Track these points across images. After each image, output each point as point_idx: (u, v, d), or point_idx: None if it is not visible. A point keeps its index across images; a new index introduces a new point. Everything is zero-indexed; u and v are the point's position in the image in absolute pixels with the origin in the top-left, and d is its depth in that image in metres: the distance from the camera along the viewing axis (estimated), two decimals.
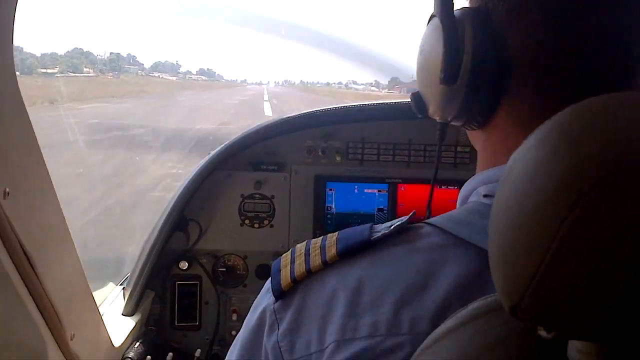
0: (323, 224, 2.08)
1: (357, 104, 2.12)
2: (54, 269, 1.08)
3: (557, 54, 0.63)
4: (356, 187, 2.07)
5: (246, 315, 0.81)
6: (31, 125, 0.95)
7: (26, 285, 0.99)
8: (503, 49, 0.65)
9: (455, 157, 2.06)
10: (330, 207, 2.08)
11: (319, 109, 2.11)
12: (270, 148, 2.06)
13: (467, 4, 0.72)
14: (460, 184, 2.00)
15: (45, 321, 1.07)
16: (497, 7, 0.66)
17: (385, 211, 2.09)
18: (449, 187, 2.06)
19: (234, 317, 2.13)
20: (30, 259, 0.96)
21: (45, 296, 1.04)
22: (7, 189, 0.88)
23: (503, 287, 0.46)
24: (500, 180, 0.49)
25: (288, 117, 2.08)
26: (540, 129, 0.46)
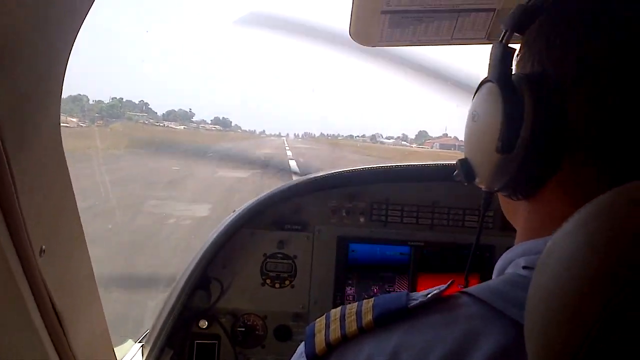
0: (344, 286, 2.06)
1: (382, 165, 2.13)
2: (81, 326, 1.07)
3: (617, 132, 0.61)
4: (378, 249, 2.06)
5: None
6: (70, 182, 0.97)
7: (53, 342, 0.98)
8: (562, 119, 0.63)
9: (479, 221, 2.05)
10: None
11: (344, 169, 2.12)
12: (294, 207, 2.06)
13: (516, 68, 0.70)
14: (482, 248, 1.99)
15: None
16: (559, 75, 0.64)
17: (406, 275, 2.07)
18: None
19: None
20: (60, 316, 0.96)
21: (70, 353, 1.03)
22: (44, 246, 0.89)
23: None
24: (537, 263, 0.48)
25: (314, 177, 2.09)
26: (580, 212, 0.45)
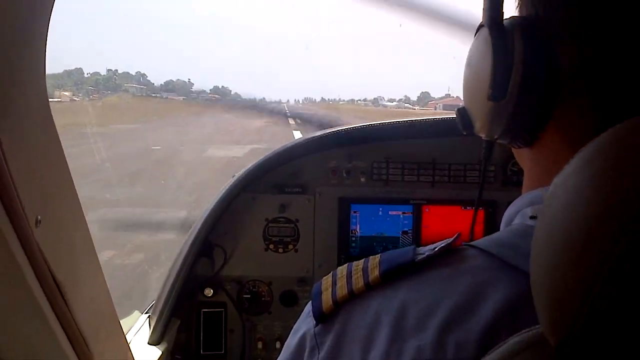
0: (347, 247, 2.06)
1: (380, 122, 2.12)
2: (83, 297, 1.07)
3: (609, 68, 0.60)
4: (380, 209, 2.06)
5: (270, 343, 0.80)
6: (63, 151, 0.95)
7: (55, 314, 0.98)
8: (553, 62, 0.62)
9: (480, 176, 2.04)
10: (355, 230, 2.06)
11: (342, 128, 2.10)
12: (294, 169, 2.05)
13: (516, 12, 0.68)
14: (484, 203, 2.00)
15: (75, 350, 1.06)
16: (549, 15, 0.63)
17: (409, 234, 2.07)
18: (473, 208, 2.04)
19: (260, 345, 2.11)
20: (60, 288, 0.95)
21: (75, 325, 1.03)
22: (39, 217, 0.87)
23: (548, 321, 0.44)
24: (541, 207, 0.47)
25: (311, 137, 2.08)
26: (583, 152, 0.43)
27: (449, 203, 2.05)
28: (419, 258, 0.67)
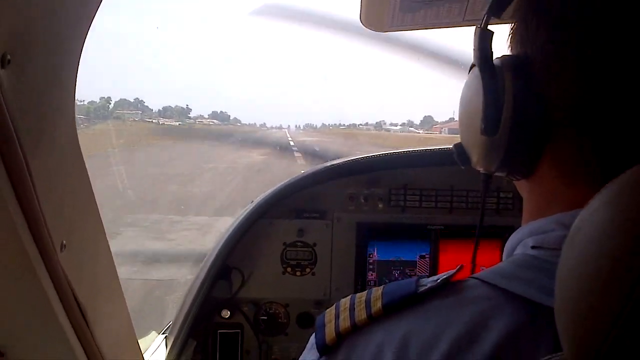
0: (364, 271, 2.07)
1: (399, 150, 2.13)
2: (104, 319, 1.09)
3: (594, 105, 0.61)
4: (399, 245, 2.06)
5: None
6: (88, 178, 0.98)
7: (77, 336, 0.99)
8: (543, 98, 0.64)
9: (498, 202, 2.05)
10: (372, 254, 2.07)
11: (362, 156, 2.12)
12: (312, 195, 2.07)
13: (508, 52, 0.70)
14: (502, 230, 1.99)
15: None
16: (537, 54, 0.64)
17: (427, 258, 2.07)
18: (491, 238, 2.01)
19: None
20: (83, 311, 0.97)
21: (95, 346, 1.04)
22: (64, 242, 0.90)
23: (572, 349, 0.44)
24: (565, 243, 0.47)
25: (331, 165, 2.10)
26: (609, 188, 0.44)
27: (466, 229, 2.05)
28: (421, 290, 0.67)
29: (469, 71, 0.74)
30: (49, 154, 0.86)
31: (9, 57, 0.72)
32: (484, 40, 0.68)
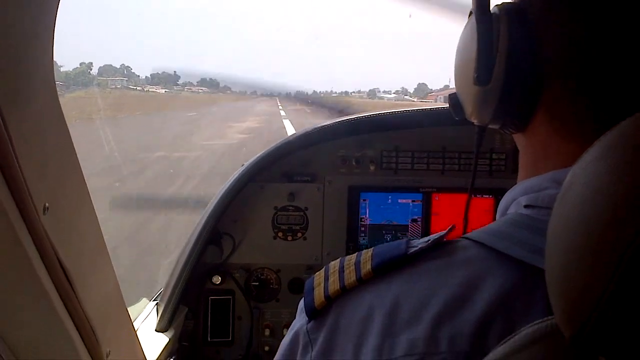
0: (356, 236, 2.06)
1: (389, 111, 2.10)
2: (91, 284, 1.06)
3: (591, 52, 0.59)
4: (390, 197, 2.05)
5: (278, 330, 0.79)
6: (70, 139, 0.95)
7: (63, 302, 0.97)
8: (538, 48, 0.62)
9: (491, 164, 2.03)
10: (364, 218, 2.05)
11: (352, 116, 2.09)
12: (303, 158, 2.04)
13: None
14: (495, 192, 2.00)
15: (82, 338, 1.06)
16: (534, 1, 0.63)
17: (419, 221, 2.06)
18: (484, 195, 2.03)
19: (267, 332, 2.11)
20: (68, 275, 0.95)
21: (82, 313, 1.03)
22: (47, 204, 0.87)
23: (564, 313, 0.43)
24: (558, 197, 0.45)
25: (321, 126, 2.07)
26: (602, 140, 0.42)
27: (459, 191, 2.04)
28: (411, 251, 0.66)
29: (468, 18, 0.72)
30: (29, 114, 0.83)
31: None
32: None
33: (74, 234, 1.00)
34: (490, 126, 0.72)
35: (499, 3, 0.66)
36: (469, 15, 0.70)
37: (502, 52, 0.63)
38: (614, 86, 0.59)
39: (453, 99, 0.77)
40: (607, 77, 0.59)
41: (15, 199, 0.80)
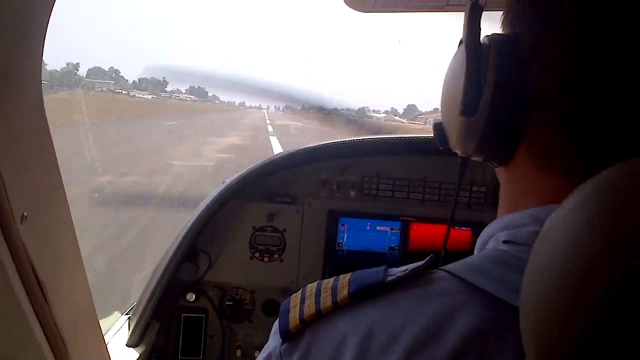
0: (333, 260, 2.06)
1: (374, 137, 2.12)
2: (64, 296, 1.06)
3: (580, 90, 0.59)
4: (369, 223, 2.05)
5: (249, 351, 0.78)
6: (53, 148, 0.94)
7: (35, 312, 0.96)
8: (526, 81, 0.61)
9: (470, 196, 2.04)
10: (342, 243, 2.05)
11: (336, 140, 2.10)
12: (284, 179, 2.05)
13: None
14: (473, 224, 2.01)
15: (52, 349, 1.05)
16: (524, 33, 0.62)
17: (396, 250, 2.06)
18: (461, 227, 2.04)
19: (238, 353, 2.09)
20: (42, 285, 0.94)
21: (54, 323, 1.02)
22: (25, 213, 0.86)
23: (536, 358, 0.43)
24: (537, 241, 0.45)
25: (304, 149, 2.08)
26: (584, 188, 0.42)
27: (437, 222, 2.05)
28: (389, 279, 0.66)
29: (458, 47, 0.71)
30: (12, 122, 0.82)
31: None
32: (473, 16, 0.66)
33: (51, 244, 0.99)
34: (473, 158, 0.72)
35: (490, 34, 0.66)
36: (459, 45, 0.70)
37: (489, 83, 0.63)
38: (601, 126, 0.59)
39: (438, 128, 0.77)
40: (594, 117, 0.59)
41: None
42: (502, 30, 0.67)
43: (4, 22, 0.76)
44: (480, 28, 0.66)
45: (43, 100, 0.90)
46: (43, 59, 0.88)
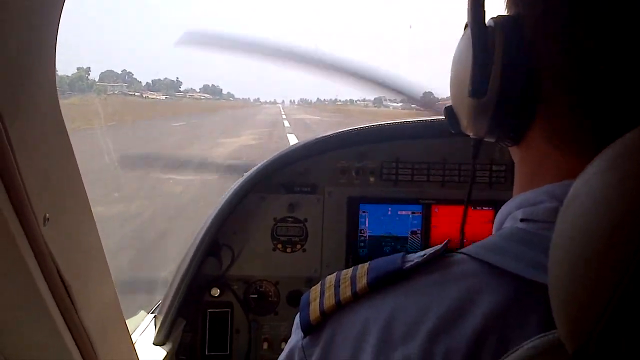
0: (356, 248, 2.05)
1: (390, 122, 2.10)
2: (90, 297, 1.05)
3: (588, 65, 0.59)
4: (390, 209, 2.04)
5: (276, 343, 0.78)
6: (72, 150, 0.94)
7: (62, 314, 0.96)
8: (534, 60, 0.62)
9: (491, 176, 2.03)
10: (363, 230, 2.04)
11: (353, 128, 2.08)
12: (303, 169, 2.04)
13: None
14: (495, 203, 1.99)
15: (80, 351, 1.05)
16: (528, 13, 0.63)
17: (418, 234, 2.05)
18: (483, 207, 2.02)
19: (265, 345, 2.09)
20: (67, 287, 0.94)
21: (81, 325, 1.01)
22: (47, 215, 0.86)
23: (567, 326, 0.42)
24: (560, 214, 0.45)
25: (321, 137, 2.07)
26: (605, 155, 0.42)
27: (458, 203, 2.03)
28: (407, 265, 0.66)
29: (463, 31, 0.71)
30: (30, 124, 0.83)
31: None
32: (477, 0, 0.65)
33: (74, 245, 0.99)
34: (486, 139, 0.72)
35: (495, 16, 0.66)
36: (464, 28, 0.70)
37: (497, 64, 0.63)
38: (612, 100, 0.58)
39: (449, 111, 0.78)
40: (605, 92, 0.58)
41: (15, 209, 0.79)
42: (507, 11, 0.67)
43: (15, 29, 0.75)
44: (484, 11, 0.66)
45: (59, 105, 0.91)
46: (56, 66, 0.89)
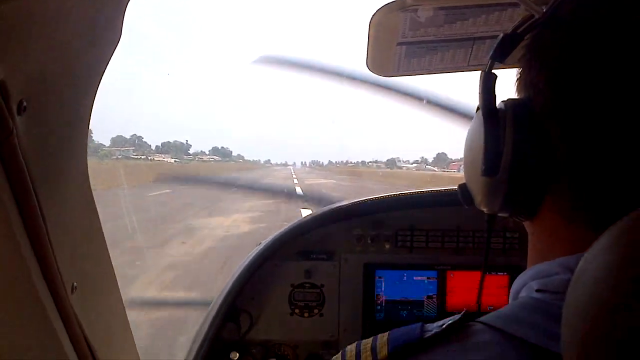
0: (372, 312, 2.05)
1: (405, 192, 2.14)
2: None
3: (591, 153, 0.61)
4: (405, 274, 2.05)
5: None
6: (99, 221, 0.99)
7: None
8: (544, 142, 0.64)
9: (505, 242, 2.04)
10: (380, 295, 2.06)
11: (369, 197, 2.12)
12: (319, 237, 2.07)
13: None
14: (509, 269, 1.99)
15: None
16: (538, 95, 0.65)
17: (434, 298, 2.06)
18: (498, 273, 2.03)
19: None
20: (94, 353, 0.97)
21: None
22: (75, 284, 0.90)
23: None
24: (570, 286, 0.47)
25: (338, 207, 2.10)
26: (610, 232, 0.45)
27: (473, 268, 2.04)
28: (427, 335, 0.67)
29: (475, 113, 0.75)
30: (62, 199, 0.88)
31: (25, 104, 0.73)
32: (488, 84, 0.69)
33: (100, 313, 1.03)
34: (499, 214, 0.74)
35: (504, 100, 0.69)
36: (477, 111, 0.73)
37: (508, 145, 0.66)
38: (615, 178, 0.60)
39: (463, 188, 0.80)
40: (615, 173, 0.60)
41: (46, 279, 0.83)
42: (517, 94, 0.71)
43: (54, 109, 0.81)
44: (495, 95, 0.69)
45: (89, 178, 0.96)
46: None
